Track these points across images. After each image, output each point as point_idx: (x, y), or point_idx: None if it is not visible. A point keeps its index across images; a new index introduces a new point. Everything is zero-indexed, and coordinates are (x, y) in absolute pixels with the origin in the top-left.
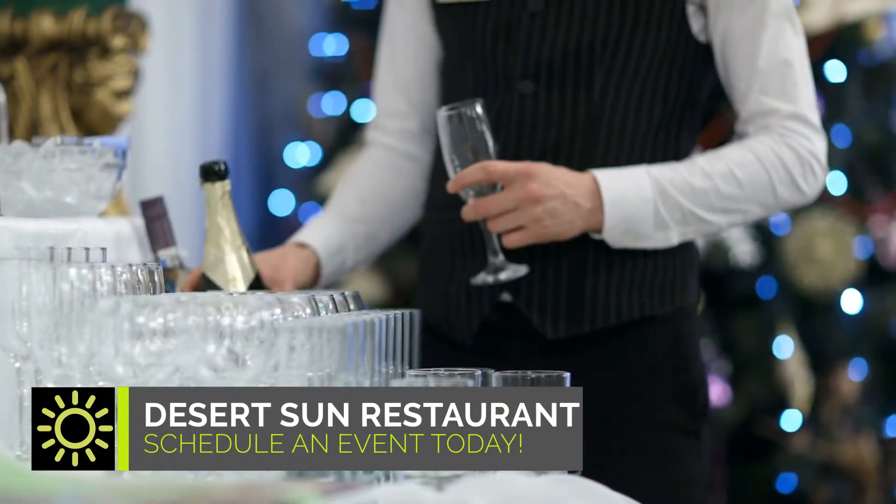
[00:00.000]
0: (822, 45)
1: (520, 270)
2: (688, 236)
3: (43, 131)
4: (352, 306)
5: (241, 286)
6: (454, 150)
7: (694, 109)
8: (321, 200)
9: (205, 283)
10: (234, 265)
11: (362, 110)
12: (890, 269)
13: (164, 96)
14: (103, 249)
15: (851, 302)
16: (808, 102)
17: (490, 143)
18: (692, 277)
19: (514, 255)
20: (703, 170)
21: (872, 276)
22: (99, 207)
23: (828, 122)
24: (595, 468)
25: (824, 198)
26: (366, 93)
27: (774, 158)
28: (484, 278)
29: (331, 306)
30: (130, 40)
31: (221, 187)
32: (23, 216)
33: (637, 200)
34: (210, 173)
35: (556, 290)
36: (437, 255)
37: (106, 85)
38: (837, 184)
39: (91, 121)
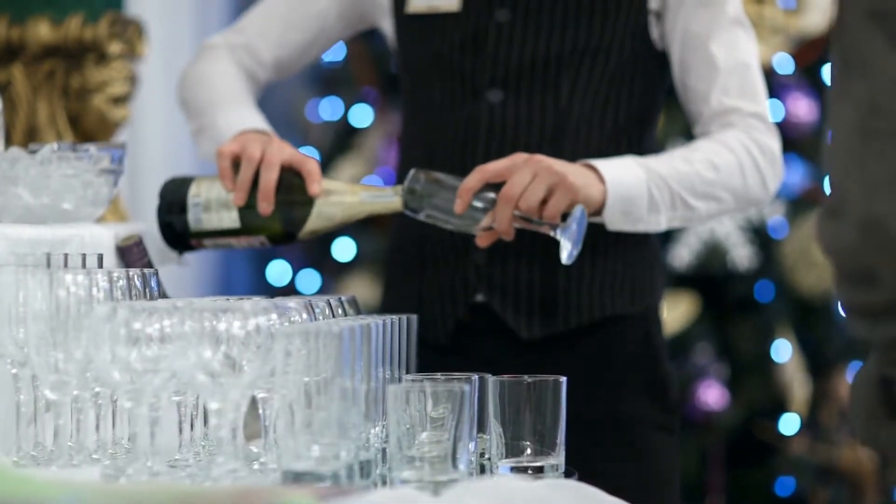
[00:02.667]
0: (820, 49)
1: (577, 210)
2: (674, 222)
3: (40, 137)
4: (348, 311)
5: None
6: (441, 206)
7: (654, 113)
8: None
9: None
10: (323, 219)
11: (360, 115)
12: None
13: (161, 102)
14: (100, 255)
15: None
16: (766, 104)
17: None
18: (658, 276)
19: (493, 251)
20: (682, 157)
21: None
22: (96, 213)
23: (825, 125)
24: (569, 465)
25: (822, 201)
26: (364, 98)
27: (742, 148)
28: (570, 251)
29: (327, 311)
30: (127, 46)
31: (399, 210)
32: (19, 222)
33: (633, 180)
34: (410, 198)
35: (530, 289)
36: (407, 257)
37: (103, 91)
38: None
39: (88, 127)
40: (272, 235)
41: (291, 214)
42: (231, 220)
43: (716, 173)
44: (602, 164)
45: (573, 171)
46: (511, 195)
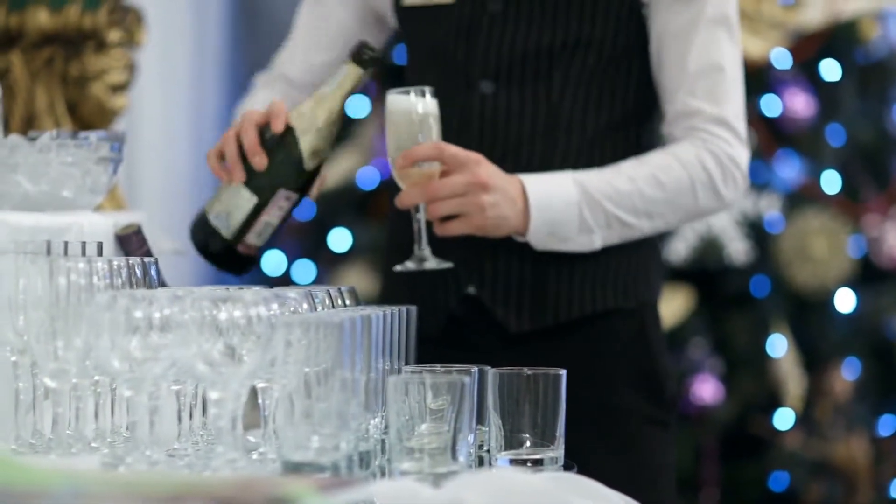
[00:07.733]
0: (817, 44)
1: (444, 264)
2: (611, 240)
3: (38, 125)
4: (348, 302)
5: (307, 146)
6: (408, 128)
7: (651, 106)
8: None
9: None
10: (312, 132)
11: (357, 106)
12: (883, 268)
13: (159, 90)
14: (100, 243)
15: (845, 301)
16: (735, 109)
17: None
18: (656, 272)
19: (473, 246)
20: (627, 174)
21: (866, 275)
22: (95, 201)
23: (822, 120)
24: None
25: (818, 196)
26: (361, 88)
27: (696, 163)
28: (406, 266)
29: (327, 302)
30: (126, 34)
31: (361, 75)
32: (19, 210)
33: (561, 204)
34: (362, 59)
35: (520, 283)
36: (403, 248)
37: (101, 79)
38: (832, 182)
39: (86, 114)
40: (287, 183)
41: (287, 153)
42: (247, 199)
43: (661, 191)
44: (533, 187)
45: (498, 210)
46: (433, 194)
